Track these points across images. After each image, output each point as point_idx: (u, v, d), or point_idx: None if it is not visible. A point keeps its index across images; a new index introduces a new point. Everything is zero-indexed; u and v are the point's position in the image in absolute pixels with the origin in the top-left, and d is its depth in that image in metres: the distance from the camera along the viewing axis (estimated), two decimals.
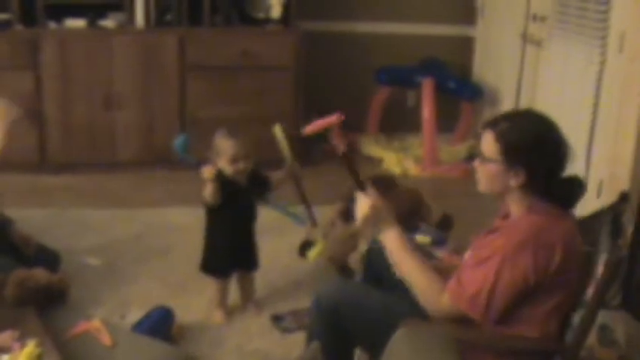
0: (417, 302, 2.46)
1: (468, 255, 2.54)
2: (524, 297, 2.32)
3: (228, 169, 3.29)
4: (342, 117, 2.86)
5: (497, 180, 2.40)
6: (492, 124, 2.42)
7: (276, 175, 3.49)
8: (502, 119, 2.43)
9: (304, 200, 3.52)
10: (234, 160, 3.28)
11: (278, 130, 3.40)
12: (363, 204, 2.60)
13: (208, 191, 3.25)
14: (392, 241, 2.56)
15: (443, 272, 2.51)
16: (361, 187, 2.66)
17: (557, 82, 4.94)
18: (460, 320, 2.37)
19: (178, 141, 3.30)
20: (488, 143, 2.39)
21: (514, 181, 2.36)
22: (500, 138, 2.36)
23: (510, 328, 2.36)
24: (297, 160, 3.51)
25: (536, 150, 2.34)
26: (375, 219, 2.61)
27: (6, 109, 3.32)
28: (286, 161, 3.47)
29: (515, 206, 2.42)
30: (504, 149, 2.35)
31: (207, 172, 3.20)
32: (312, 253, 3.29)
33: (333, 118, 2.86)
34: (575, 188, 2.42)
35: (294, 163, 3.48)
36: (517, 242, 2.30)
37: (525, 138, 2.35)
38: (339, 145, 2.78)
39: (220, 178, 3.27)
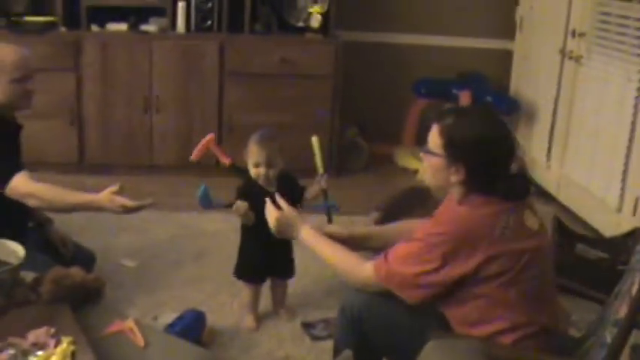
0: (443, 314, 2.46)
1: None
2: (461, 287, 2.33)
3: (252, 171, 3.35)
4: (213, 135, 3.09)
5: (439, 173, 2.40)
6: (440, 117, 2.41)
7: (311, 192, 3.48)
8: (449, 113, 2.42)
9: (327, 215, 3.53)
10: (255, 165, 3.33)
11: (315, 141, 3.44)
12: (270, 217, 2.85)
13: (243, 219, 3.36)
14: (306, 240, 2.77)
15: None
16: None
17: (595, 98, 4.91)
18: (381, 292, 2.47)
19: (200, 194, 3.33)
20: (434, 136, 2.39)
21: (454, 177, 2.36)
22: (444, 133, 2.36)
23: (479, 330, 2.35)
24: (328, 173, 3.54)
25: (477, 149, 2.33)
26: (282, 228, 2.84)
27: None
28: (317, 172, 3.49)
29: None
30: (446, 144, 2.35)
31: (241, 209, 3.28)
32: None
33: (207, 138, 2.96)
34: (519, 185, 2.40)
35: (324, 176, 3.49)
36: (438, 231, 2.34)
37: (467, 136, 2.34)
38: (223, 160, 2.85)
39: (249, 186, 3.35)
